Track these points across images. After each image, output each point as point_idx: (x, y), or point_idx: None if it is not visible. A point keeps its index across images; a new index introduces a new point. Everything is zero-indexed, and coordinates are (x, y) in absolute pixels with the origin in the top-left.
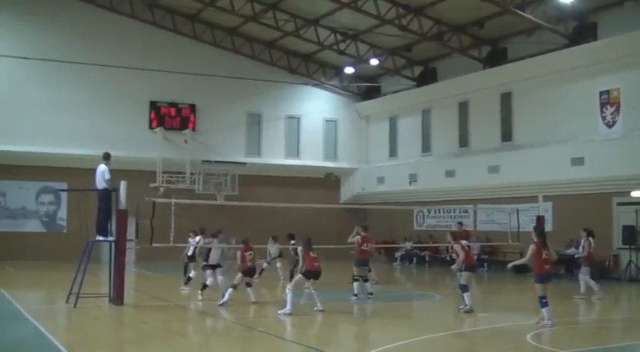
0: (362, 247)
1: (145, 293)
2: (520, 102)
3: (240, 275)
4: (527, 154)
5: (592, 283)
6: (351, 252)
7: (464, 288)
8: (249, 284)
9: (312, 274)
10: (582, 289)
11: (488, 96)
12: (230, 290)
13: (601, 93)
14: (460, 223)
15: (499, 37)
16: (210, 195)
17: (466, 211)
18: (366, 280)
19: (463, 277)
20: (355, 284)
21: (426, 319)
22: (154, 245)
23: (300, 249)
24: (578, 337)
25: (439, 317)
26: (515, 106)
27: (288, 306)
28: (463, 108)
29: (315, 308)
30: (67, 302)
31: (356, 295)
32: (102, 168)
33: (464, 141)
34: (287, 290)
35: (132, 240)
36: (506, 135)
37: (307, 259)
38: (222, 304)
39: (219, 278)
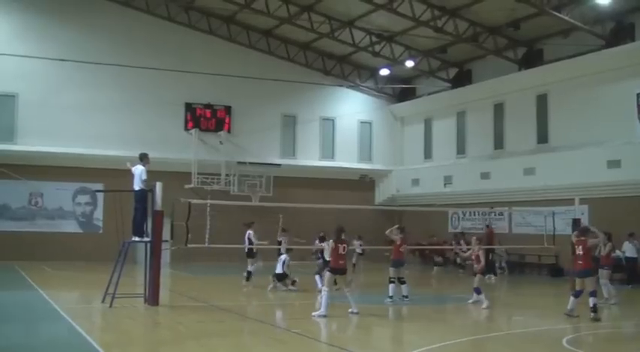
0: (400, 249)
1: (180, 294)
2: (556, 104)
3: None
4: (563, 156)
5: (609, 287)
6: (386, 254)
7: (479, 291)
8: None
9: (338, 271)
10: (605, 294)
11: (524, 97)
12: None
13: (638, 95)
14: (488, 226)
15: (535, 38)
16: (245, 196)
17: (501, 214)
18: (403, 282)
19: (479, 280)
20: (390, 286)
21: (460, 322)
22: (189, 246)
23: (327, 243)
24: (614, 342)
25: (474, 319)
26: (551, 108)
27: (323, 308)
28: (498, 109)
29: (350, 311)
30: (102, 302)
31: (391, 297)
32: (139, 168)
33: (499, 143)
34: (322, 291)
35: (167, 241)
36: (542, 137)
37: (333, 255)
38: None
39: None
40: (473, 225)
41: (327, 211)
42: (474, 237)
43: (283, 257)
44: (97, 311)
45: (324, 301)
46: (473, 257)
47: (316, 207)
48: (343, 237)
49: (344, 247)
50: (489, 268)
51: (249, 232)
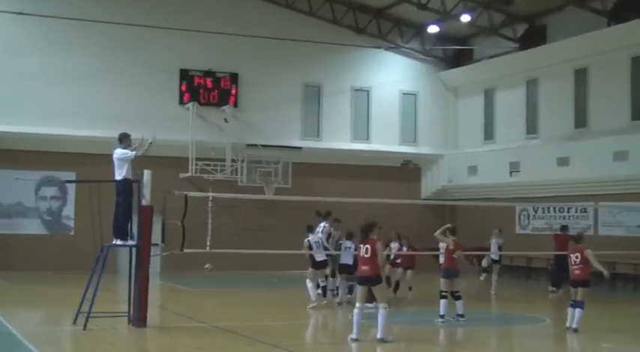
0: (453, 255)
1: (173, 313)
2: None
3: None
4: None
5: None
6: (437, 255)
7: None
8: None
9: (360, 280)
10: None
11: (615, 61)
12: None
13: None
14: (564, 227)
15: None
16: (255, 187)
17: (584, 210)
18: (457, 297)
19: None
20: (442, 302)
21: None
22: (185, 251)
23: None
24: None
25: (550, 348)
26: None
27: (355, 331)
28: (580, 77)
29: (379, 338)
30: (74, 323)
31: (442, 317)
32: (119, 153)
33: (581, 119)
34: (355, 310)
35: (158, 245)
36: (638, 113)
37: (358, 257)
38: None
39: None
40: (547, 225)
41: (360, 208)
42: (572, 238)
43: None
44: (66, 335)
45: (310, 288)
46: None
47: (347, 201)
48: (373, 237)
49: (370, 249)
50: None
51: (324, 225)
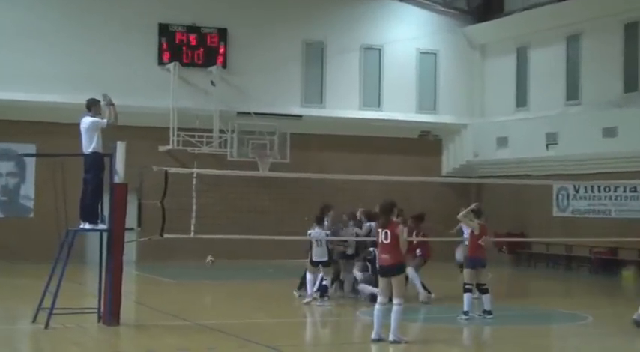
0: (479, 241)
1: (151, 308)
2: None
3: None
4: None
5: None
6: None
7: None
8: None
9: (381, 270)
10: None
11: None
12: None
13: None
14: None
15: None
16: (248, 163)
17: (634, 189)
18: (484, 290)
19: None
20: (466, 296)
21: None
22: (165, 236)
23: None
24: None
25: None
26: None
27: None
28: (631, 32)
29: (391, 339)
30: (34, 321)
31: (466, 313)
32: (87, 122)
33: (631, 82)
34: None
35: (133, 230)
36: None
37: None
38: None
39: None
40: (590, 207)
41: (370, 186)
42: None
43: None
44: (25, 335)
45: (309, 280)
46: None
47: (354, 179)
48: (393, 219)
49: (390, 233)
50: None
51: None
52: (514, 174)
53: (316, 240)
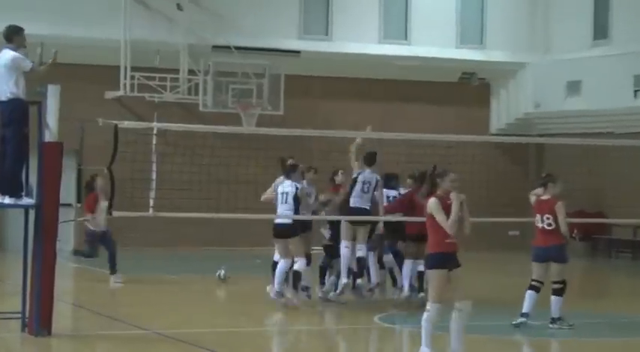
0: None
1: (93, 312)
2: None
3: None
4: None
5: None
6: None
7: None
8: None
9: (445, 258)
10: None
11: None
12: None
13: None
14: None
15: None
16: (227, 115)
17: None
18: (559, 291)
19: None
20: (528, 295)
21: None
22: (115, 214)
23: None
24: None
25: None
26: None
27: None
28: None
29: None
30: None
31: (525, 316)
32: (6, 56)
33: None
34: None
35: (71, 206)
36: None
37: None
38: None
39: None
40: None
41: (392, 146)
42: None
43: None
44: None
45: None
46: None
47: (370, 136)
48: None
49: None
50: None
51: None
52: (590, 131)
53: (282, 193)
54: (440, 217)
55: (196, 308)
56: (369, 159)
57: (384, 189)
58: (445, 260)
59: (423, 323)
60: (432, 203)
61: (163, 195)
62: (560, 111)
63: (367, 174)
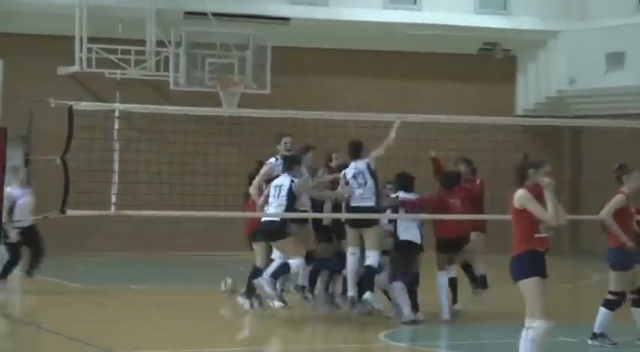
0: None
1: (46, 330)
2: None
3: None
4: None
5: None
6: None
7: None
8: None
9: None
10: None
11: None
12: None
13: None
14: None
15: None
16: (203, 94)
17: None
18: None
19: None
20: (602, 312)
21: None
22: (69, 213)
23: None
24: None
25: None
26: None
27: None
28: None
29: None
30: None
31: (599, 337)
32: None
33: None
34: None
35: None
36: None
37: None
38: None
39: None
40: None
41: (404, 132)
42: None
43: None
44: None
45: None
46: None
47: (374, 119)
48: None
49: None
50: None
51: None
52: (635, 111)
53: (275, 186)
54: (537, 209)
55: (168, 325)
56: (354, 152)
57: (401, 192)
58: (540, 260)
59: (527, 344)
60: (522, 194)
61: (127, 190)
62: (599, 88)
63: (358, 165)
